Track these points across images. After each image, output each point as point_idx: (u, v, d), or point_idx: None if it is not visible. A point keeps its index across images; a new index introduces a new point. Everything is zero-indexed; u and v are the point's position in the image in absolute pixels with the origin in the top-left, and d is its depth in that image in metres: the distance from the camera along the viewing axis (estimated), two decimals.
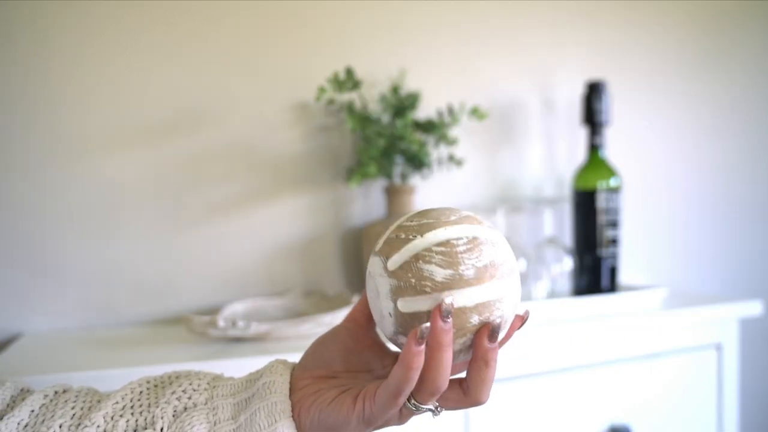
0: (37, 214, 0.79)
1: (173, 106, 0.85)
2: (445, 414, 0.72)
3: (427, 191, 1.00)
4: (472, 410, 0.73)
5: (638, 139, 1.20)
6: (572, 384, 0.80)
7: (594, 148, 0.98)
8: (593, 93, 0.97)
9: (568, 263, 0.96)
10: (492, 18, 1.06)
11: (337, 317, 0.74)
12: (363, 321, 0.42)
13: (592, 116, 0.97)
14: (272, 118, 0.90)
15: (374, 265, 0.38)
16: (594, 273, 0.96)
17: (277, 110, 0.91)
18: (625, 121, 1.18)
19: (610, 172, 0.96)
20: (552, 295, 0.96)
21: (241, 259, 0.88)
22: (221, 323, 0.67)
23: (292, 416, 0.38)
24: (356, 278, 0.95)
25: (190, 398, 0.39)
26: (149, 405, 0.39)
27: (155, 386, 0.41)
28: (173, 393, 0.39)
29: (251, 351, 0.65)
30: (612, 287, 0.96)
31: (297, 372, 0.41)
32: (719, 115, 1.30)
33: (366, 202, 0.96)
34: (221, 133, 0.88)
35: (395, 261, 0.37)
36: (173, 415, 0.38)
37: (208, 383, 0.41)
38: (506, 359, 0.76)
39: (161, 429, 0.38)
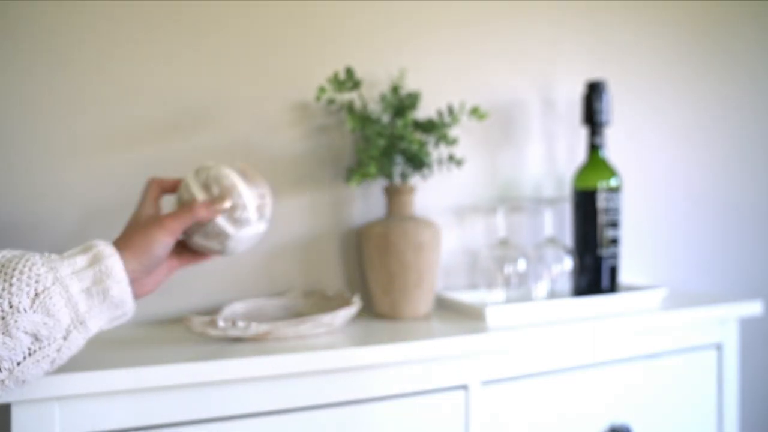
0: (37, 214, 0.79)
1: (173, 106, 0.85)
2: (447, 415, 0.72)
3: (427, 191, 1.00)
4: (472, 410, 0.73)
5: (638, 139, 1.20)
6: (572, 384, 0.81)
7: (594, 148, 0.98)
8: (593, 93, 0.97)
9: (568, 263, 0.96)
10: (492, 18, 1.06)
11: (337, 317, 0.74)
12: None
13: (593, 116, 0.97)
14: (272, 118, 0.90)
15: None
16: (594, 273, 0.96)
17: (277, 110, 0.91)
18: (625, 121, 1.18)
19: (610, 172, 0.96)
20: (552, 295, 0.96)
21: (241, 259, 0.88)
22: (221, 323, 0.67)
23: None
24: (356, 278, 0.95)
25: (38, 282, 0.46)
26: (1, 292, 0.45)
27: None
28: (22, 283, 0.46)
29: (251, 351, 0.65)
30: (612, 287, 0.96)
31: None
32: (719, 115, 1.30)
33: (366, 202, 0.96)
34: (221, 133, 0.88)
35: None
36: (34, 296, 0.46)
37: (48, 269, 0.48)
38: (506, 359, 0.76)
39: (24, 310, 0.45)
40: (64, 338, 0.48)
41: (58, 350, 0.48)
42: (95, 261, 0.51)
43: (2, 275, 0.46)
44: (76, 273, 0.50)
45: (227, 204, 0.58)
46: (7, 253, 0.49)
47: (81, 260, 0.51)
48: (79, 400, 0.58)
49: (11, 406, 0.56)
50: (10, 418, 0.56)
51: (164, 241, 0.56)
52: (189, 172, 0.66)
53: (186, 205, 0.60)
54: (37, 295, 0.46)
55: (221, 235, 0.62)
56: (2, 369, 0.46)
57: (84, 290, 0.50)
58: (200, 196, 0.59)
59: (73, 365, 0.59)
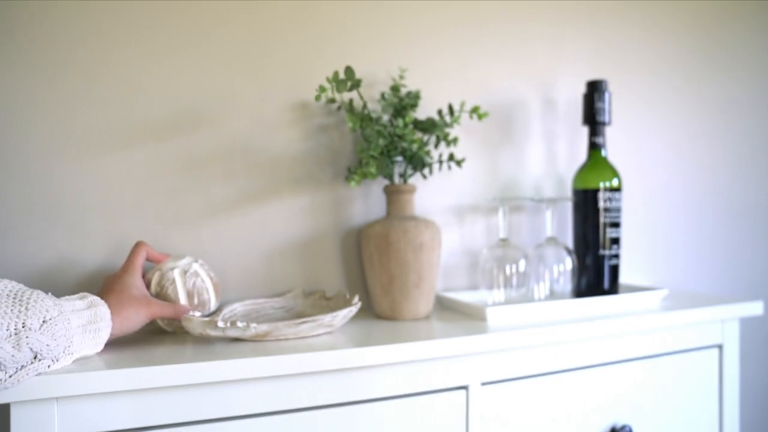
0: (37, 214, 0.79)
1: (173, 106, 0.85)
2: (447, 415, 0.72)
3: (427, 191, 0.99)
4: (472, 410, 0.73)
5: (638, 139, 1.20)
6: (573, 384, 0.80)
7: (595, 148, 0.98)
8: (594, 92, 0.97)
9: (568, 263, 0.96)
10: (492, 18, 1.06)
11: (337, 317, 0.74)
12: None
13: (594, 115, 0.97)
14: (272, 117, 0.90)
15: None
16: (595, 273, 0.96)
17: (277, 110, 0.91)
18: (625, 121, 1.18)
19: (611, 171, 0.96)
20: (553, 295, 0.96)
21: (241, 259, 0.88)
22: (220, 323, 0.67)
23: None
24: (356, 278, 0.95)
25: (47, 311, 0.55)
26: (18, 314, 0.53)
27: (14, 299, 0.54)
28: (35, 309, 0.54)
29: (251, 351, 0.65)
30: (613, 287, 0.96)
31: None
32: (719, 115, 1.30)
33: (366, 202, 0.96)
34: (221, 133, 0.87)
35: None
36: (43, 322, 0.54)
37: (54, 303, 0.57)
38: (506, 359, 0.76)
39: (34, 329, 0.53)
40: (54, 360, 0.56)
41: (47, 368, 0.56)
42: (92, 305, 0.62)
43: (18, 301, 0.54)
44: (76, 312, 0.59)
45: (198, 314, 0.74)
46: (9, 284, 0.56)
47: (80, 303, 0.61)
48: (79, 401, 0.58)
49: (11, 406, 0.56)
50: (10, 418, 0.55)
51: (145, 321, 0.69)
52: (175, 264, 0.76)
53: (171, 302, 0.74)
54: (45, 321, 0.54)
55: (176, 325, 0.77)
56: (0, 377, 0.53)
57: (81, 326, 0.59)
58: (183, 300, 0.75)
59: (75, 365, 0.59)
